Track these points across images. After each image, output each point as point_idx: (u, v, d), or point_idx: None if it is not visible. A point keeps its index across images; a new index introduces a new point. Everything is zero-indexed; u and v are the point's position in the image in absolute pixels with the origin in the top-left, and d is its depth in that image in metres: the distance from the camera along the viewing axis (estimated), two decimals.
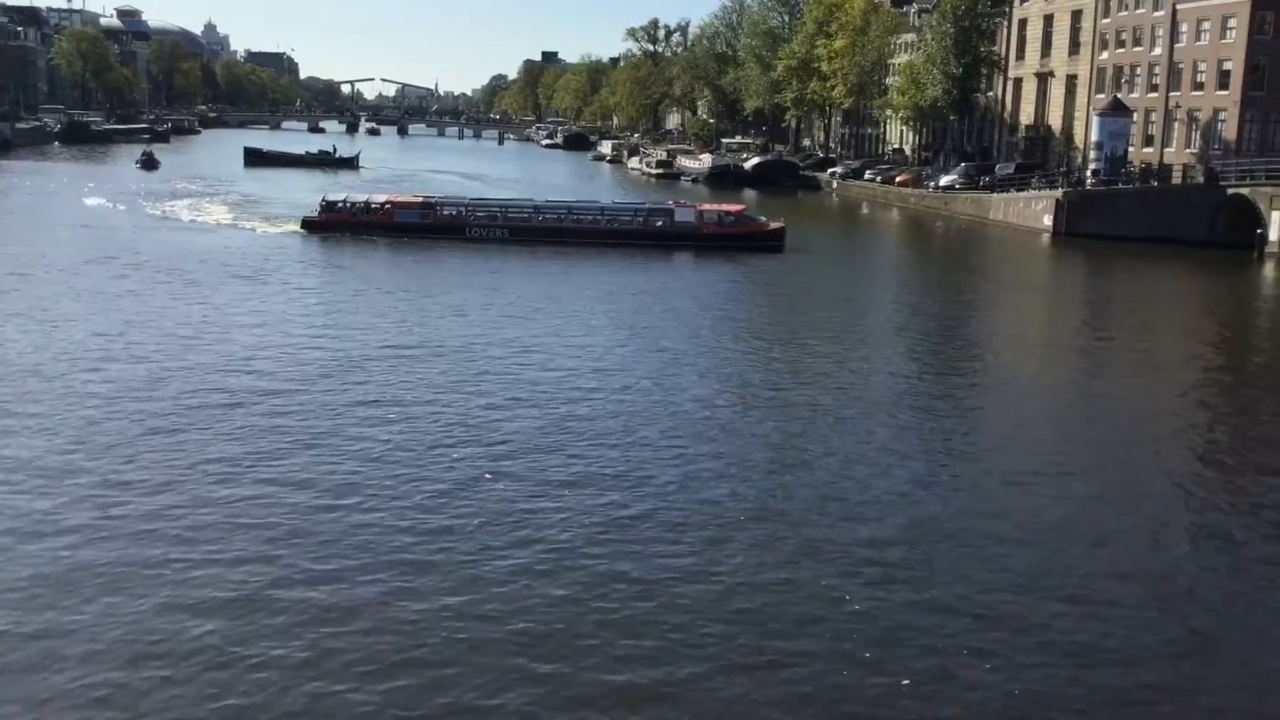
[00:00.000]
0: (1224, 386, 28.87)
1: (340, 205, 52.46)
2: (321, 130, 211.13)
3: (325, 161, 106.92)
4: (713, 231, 51.21)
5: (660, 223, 51.78)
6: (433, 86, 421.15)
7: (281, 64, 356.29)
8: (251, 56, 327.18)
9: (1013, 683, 12.58)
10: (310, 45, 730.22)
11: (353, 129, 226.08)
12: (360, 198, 54.13)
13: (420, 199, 54.46)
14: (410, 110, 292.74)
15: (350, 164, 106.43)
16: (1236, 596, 15.21)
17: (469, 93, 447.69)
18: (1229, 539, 17.27)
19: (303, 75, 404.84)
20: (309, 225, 51.43)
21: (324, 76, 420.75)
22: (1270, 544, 17.11)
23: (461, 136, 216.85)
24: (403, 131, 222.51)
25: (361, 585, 14.38)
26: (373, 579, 14.55)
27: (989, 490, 19.13)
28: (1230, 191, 59.20)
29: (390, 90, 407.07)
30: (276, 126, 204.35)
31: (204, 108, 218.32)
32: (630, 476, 18.77)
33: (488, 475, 18.55)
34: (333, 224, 51.16)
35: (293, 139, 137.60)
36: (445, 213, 51.99)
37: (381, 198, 54.29)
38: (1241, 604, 14.99)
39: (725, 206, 55.93)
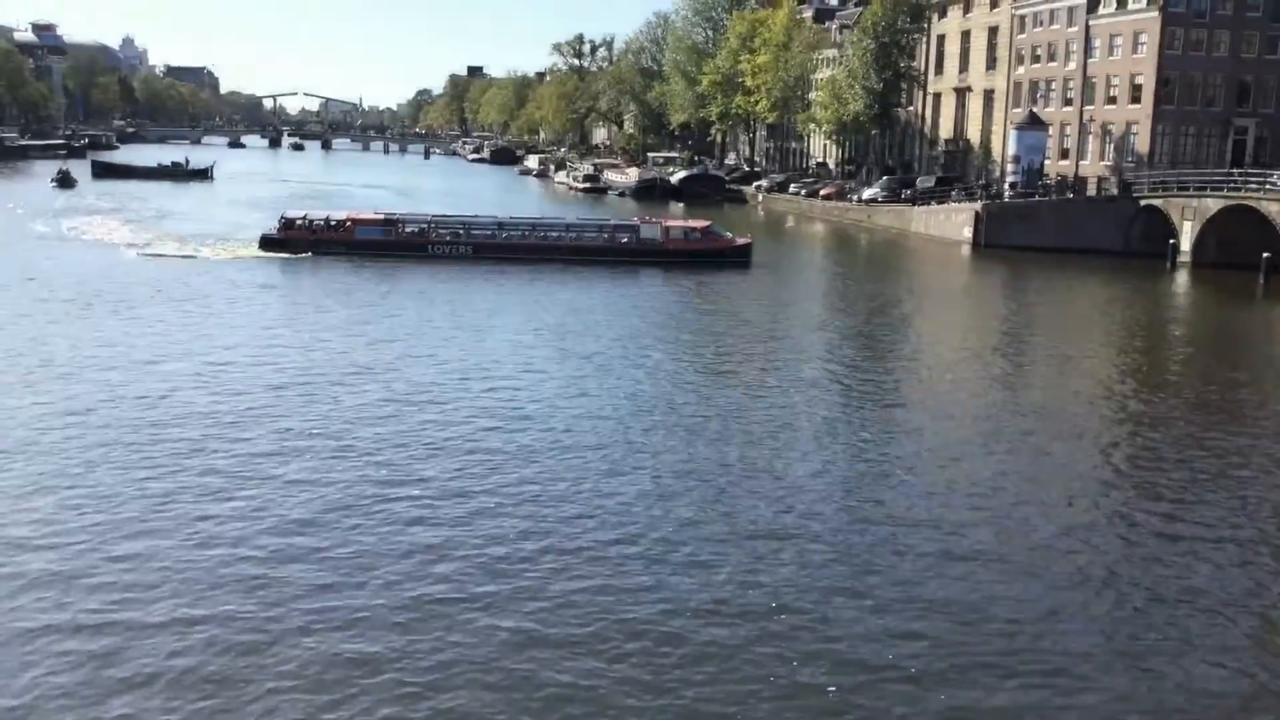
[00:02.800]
0: (1139, 392, 29.58)
1: (299, 223, 51.37)
2: (242, 145, 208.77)
3: (176, 173, 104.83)
4: (679, 248, 51.05)
5: (626, 239, 51.59)
6: (357, 101, 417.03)
7: (202, 78, 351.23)
8: (171, 71, 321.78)
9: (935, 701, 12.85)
10: (232, 60, 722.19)
11: (275, 144, 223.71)
12: (320, 215, 52.94)
13: (382, 216, 53.62)
14: (334, 125, 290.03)
15: (203, 175, 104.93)
16: (1153, 604, 15.64)
17: (394, 107, 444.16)
18: (1143, 544, 17.74)
19: (224, 90, 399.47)
20: (267, 243, 50.23)
21: (246, 91, 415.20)
22: (1182, 547, 17.60)
23: (387, 151, 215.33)
24: (327, 146, 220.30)
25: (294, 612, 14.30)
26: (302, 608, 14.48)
27: (913, 499, 19.46)
28: (1143, 203, 60.79)
29: (314, 105, 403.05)
30: (196, 141, 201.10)
31: (122, 123, 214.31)
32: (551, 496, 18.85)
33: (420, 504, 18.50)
34: (291, 242, 50.08)
35: (199, 152, 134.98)
36: (407, 230, 51.35)
37: (341, 214, 53.30)
38: (1155, 611, 15.41)
39: (692, 222, 55.73)
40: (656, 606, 14.54)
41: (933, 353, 34.10)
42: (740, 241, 53.12)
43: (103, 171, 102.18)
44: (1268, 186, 53.83)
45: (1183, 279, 53.65)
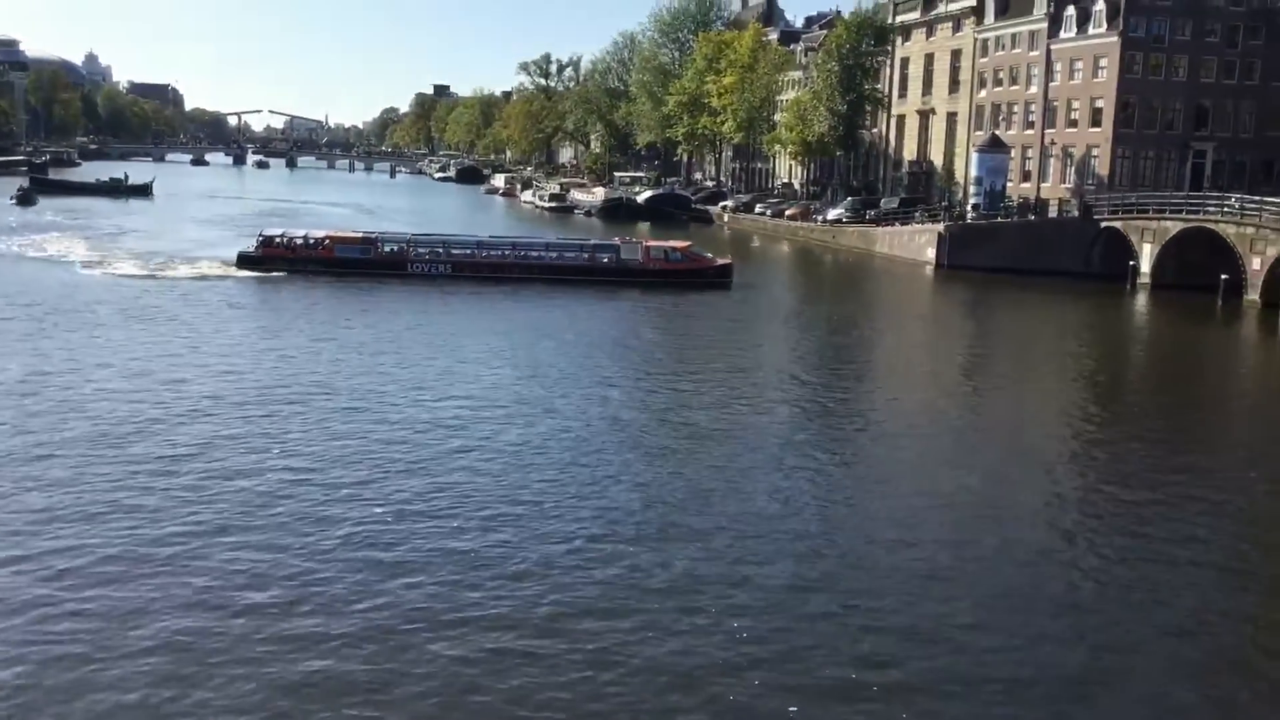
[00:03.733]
0: (1098, 412, 29.88)
1: (278, 240, 51.12)
2: (205, 163, 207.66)
3: (115, 189, 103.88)
4: (659, 268, 50.94)
5: (606, 259, 51.52)
6: (323, 119, 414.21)
7: (166, 95, 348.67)
8: (135, 88, 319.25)
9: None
10: (197, 76, 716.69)
11: (239, 161, 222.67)
12: (299, 233, 52.68)
13: (360, 235, 53.53)
14: (299, 143, 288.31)
15: (143, 191, 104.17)
16: (1120, 617, 15.77)
17: (360, 125, 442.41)
18: (1106, 559, 17.89)
19: (188, 107, 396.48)
20: (245, 261, 49.97)
21: (210, 108, 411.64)
22: (1140, 564, 17.76)
23: (352, 169, 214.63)
24: (291, 164, 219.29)
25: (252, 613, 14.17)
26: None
27: (876, 514, 19.54)
28: (1104, 225, 61.45)
29: (279, 122, 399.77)
30: (160, 159, 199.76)
31: (84, 139, 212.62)
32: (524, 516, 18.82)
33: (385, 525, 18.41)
34: (270, 260, 49.83)
35: (161, 169, 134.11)
36: (386, 249, 51.29)
37: (321, 233, 53.05)
38: (1125, 623, 15.54)
39: (672, 243, 55.62)
40: (603, 621, 14.54)
41: (900, 374, 34.32)
42: (721, 262, 53.18)
43: (40, 188, 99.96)
44: (1225, 209, 54.52)
45: (1142, 300, 54.27)
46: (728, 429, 24.91)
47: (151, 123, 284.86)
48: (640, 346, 36.18)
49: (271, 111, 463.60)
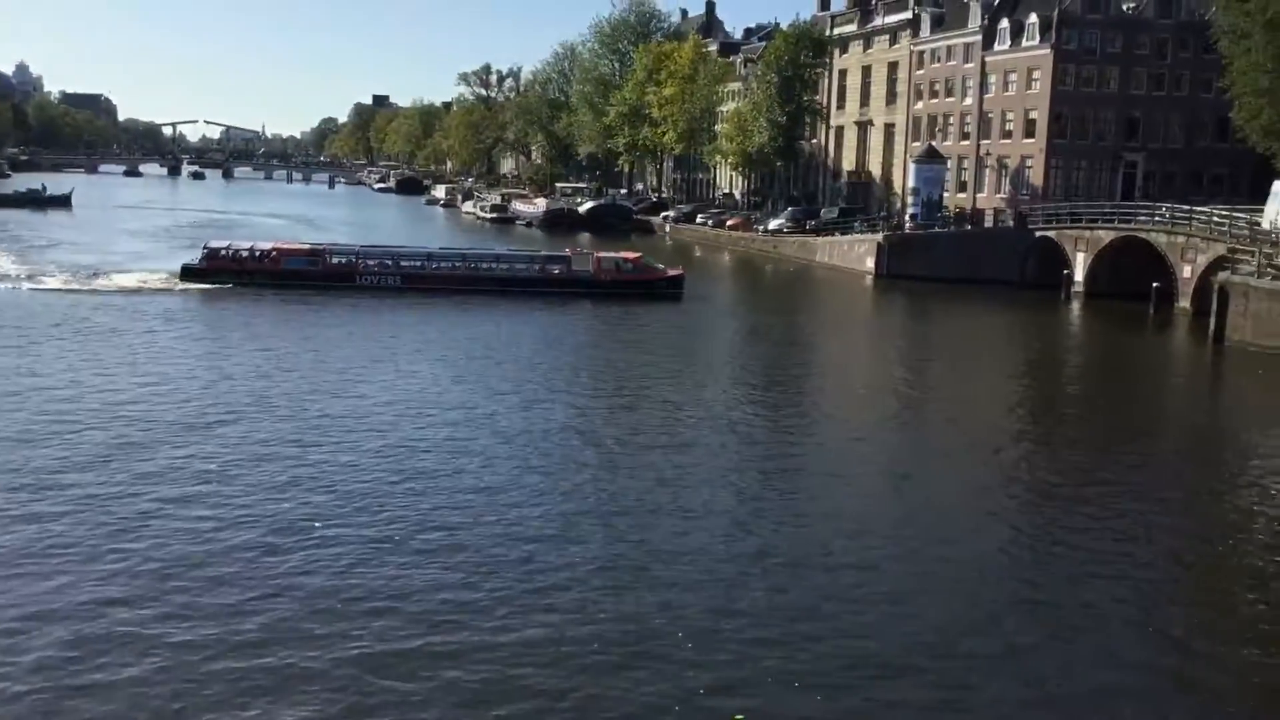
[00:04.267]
0: (1032, 419, 30.42)
1: (223, 253, 50.33)
2: (139, 174, 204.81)
3: (34, 200, 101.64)
4: (611, 279, 50.85)
5: (558, 270, 51.40)
6: (260, 129, 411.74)
7: (99, 105, 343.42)
8: (67, 98, 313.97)
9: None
10: (131, 87, 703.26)
11: (174, 172, 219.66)
12: (244, 245, 51.98)
13: (309, 246, 52.95)
14: (236, 153, 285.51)
15: (62, 203, 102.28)
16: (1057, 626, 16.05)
17: (298, 135, 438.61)
18: (1036, 566, 18.19)
19: (122, 117, 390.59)
20: (189, 274, 49.01)
21: (145, 119, 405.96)
22: (1073, 575, 18.07)
23: (290, 180, 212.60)
24: (228, 175, 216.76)
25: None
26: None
27: (815, 523, 19.72)
28: (1038, 235, 62.49)
29: (215, 133, 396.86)
30: (93, 170, 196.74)
31: (15, 151, 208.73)
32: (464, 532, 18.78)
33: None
34: (215, 272, 48.99)
35: (73, 181, 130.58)
36: (335, 260, 50.73)
37: (267, 245, 52.46)
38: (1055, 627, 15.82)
39: (624, 254, 55.64)
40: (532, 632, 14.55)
41: (843, 383, 34.69)
42: (672, 273, 53.38)
43: None
44: (1156, 219, 55.67)
45: (1076, 309, 55.22)
46: (676, 436, 25.00)
47: (84, 133, 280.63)
48: (592, 358, 36.17)
49: (207, 122, 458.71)
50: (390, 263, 50.91)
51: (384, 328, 40.09)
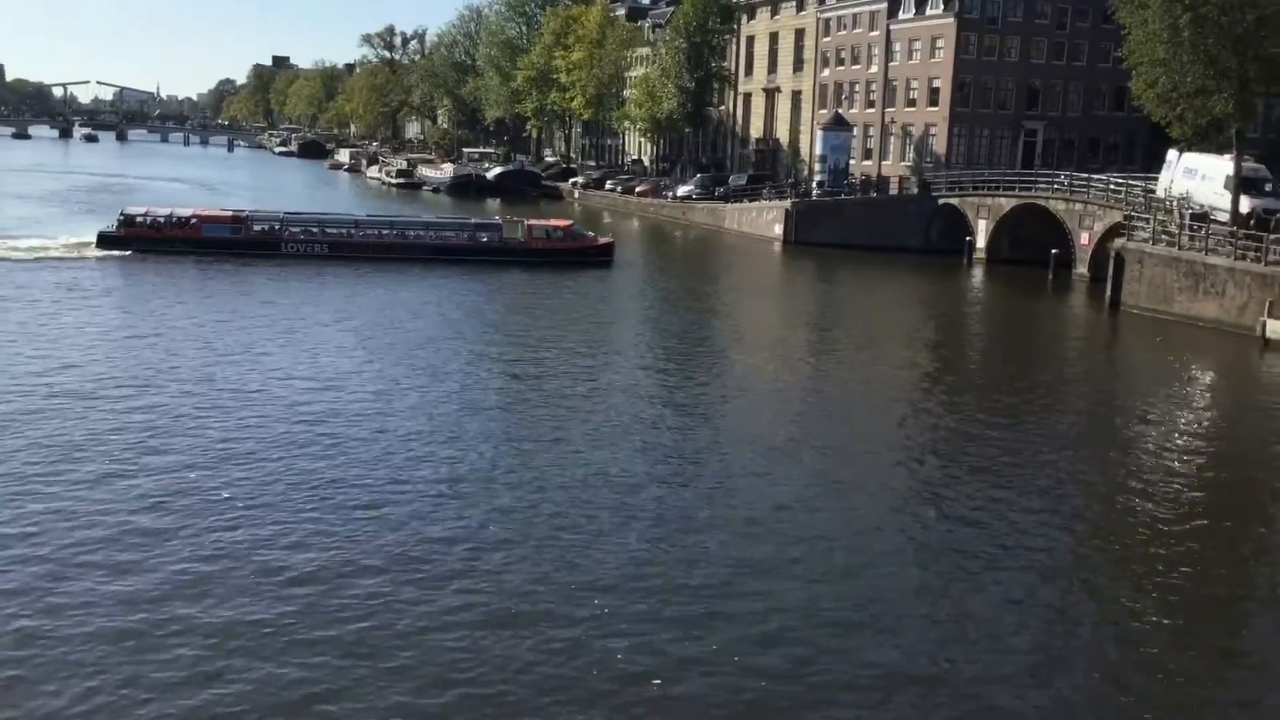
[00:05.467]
0: (935, 377, 31.09)
1: (141, 219, 48.93)
2: (29, 136, 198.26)
3: None
4: (541, 246, 50.62)
5: (487, 238, 51.04)
6: (154, 90, 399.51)
7: None
8: None
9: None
10: (19, 46, 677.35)
11: (66, 134, 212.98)
12: (163, 211, 50.63)
13: (230, 213, 51.55)
14: (130, 115, 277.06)
15: None
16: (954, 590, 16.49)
17: (194, 97, 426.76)
18: (933, 531, 18.67)
19: (9, 77, 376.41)
20: (105, 241, 47.56)
21: (34, 79, 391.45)
22: (978, 543, 18.59)
23: (187, 143, 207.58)
24: (122, 137, 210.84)
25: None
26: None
27: (718, 493, 20.00)
28: (941, 202, 63.54)
29: (108, 94, 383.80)
30: None
31: None
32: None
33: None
34: (133, 239, 47.60)
35: None
36: (258, 228, 49.56)
37: (187, 211, 51.16)
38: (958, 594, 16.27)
39: (554, 221, 55.35)
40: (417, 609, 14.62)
41: (754, 349, 35.02)
42: (602, 241, 53.41)
43: None
44: (1055, 186, 56.94)
45: (978, 274, 56.35)
46: (595, 400, 25.17)
47: None
48: (524, 326, 35.88)
49: (100, 83, 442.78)
50: (316, 230, 50.03)
51: (309, 298, 39.33)
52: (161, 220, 49.30)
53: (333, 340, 31.71)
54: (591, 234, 54.81)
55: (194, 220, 49.61)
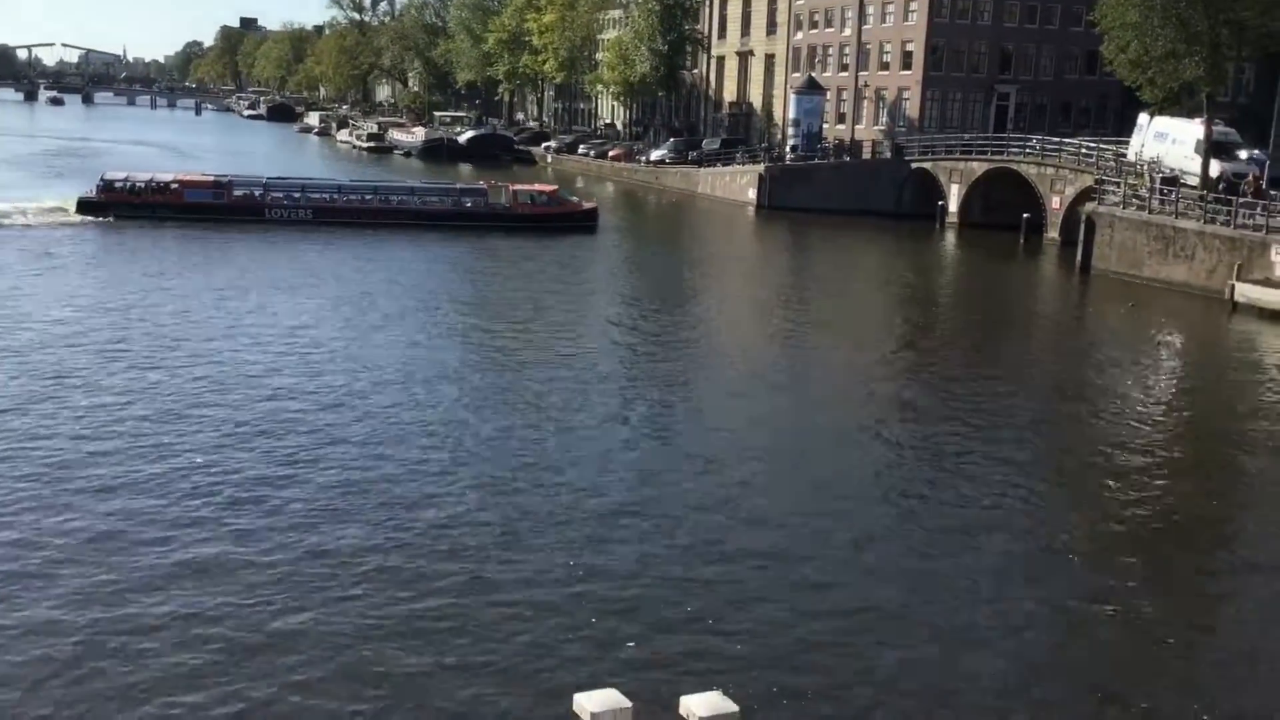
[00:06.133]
0: (908, 338, 31.35)
1: (121, 184, 48.44)
2: None
3: None
4: (526, 212, 50.51)
5: (471, 203, 50.91)
6: (121, 53, 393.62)
7: None
8: None
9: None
10: None
11: (31, 97, 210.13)
12: (144, 176, 50.06)
13: (212, 178, 50.95)
14: (96, 77, 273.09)
15: None
16: (930, 552, 16.74)
17: (161, 59, 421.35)
18: (916, 494, 18.91)
19: None
20: (86, 206, 47.03)
21: None
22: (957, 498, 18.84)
23: (154, 106, 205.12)
24: (88, 100, 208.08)
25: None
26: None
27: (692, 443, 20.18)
28: (914, 166, 63.70)
29: (73, 56, 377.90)
30: None
31: None
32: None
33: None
34: (113, 205, 47.08)
35: None
36: (240, 193, 49.15)
37: (168, 176, 50.64)
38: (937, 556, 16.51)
39: (539, 186, 55.24)
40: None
41: (732, 314, 35.18)
42: (587, 206, 53.38)
43: None
44: (1027, 150, 57.17)
45: (950, 239, 56.63)
46: (581, 363, 25.27)
47: None
48: (512, 291, 35.82)
49: (65, 45, 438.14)
50: (299, 195, 49.71)
51: (295, 264, 38.96)
52: (142, 185, 48.86)
53: (323, 307, 31.53)
54: (576, 199, 54.79)
55: (175, 185, 49.15)
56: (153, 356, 24.71)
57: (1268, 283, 36.12)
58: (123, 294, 31.96)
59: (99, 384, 22.37)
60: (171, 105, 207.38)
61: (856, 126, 75.08)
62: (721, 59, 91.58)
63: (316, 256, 40.98)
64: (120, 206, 47.20)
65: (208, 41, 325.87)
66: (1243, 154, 45.46)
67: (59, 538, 15.09)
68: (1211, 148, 44.06)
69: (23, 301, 30.13)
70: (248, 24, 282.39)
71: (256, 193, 49.57)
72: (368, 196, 50.93)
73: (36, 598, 13.43)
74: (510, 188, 53.29)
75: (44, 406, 20.71)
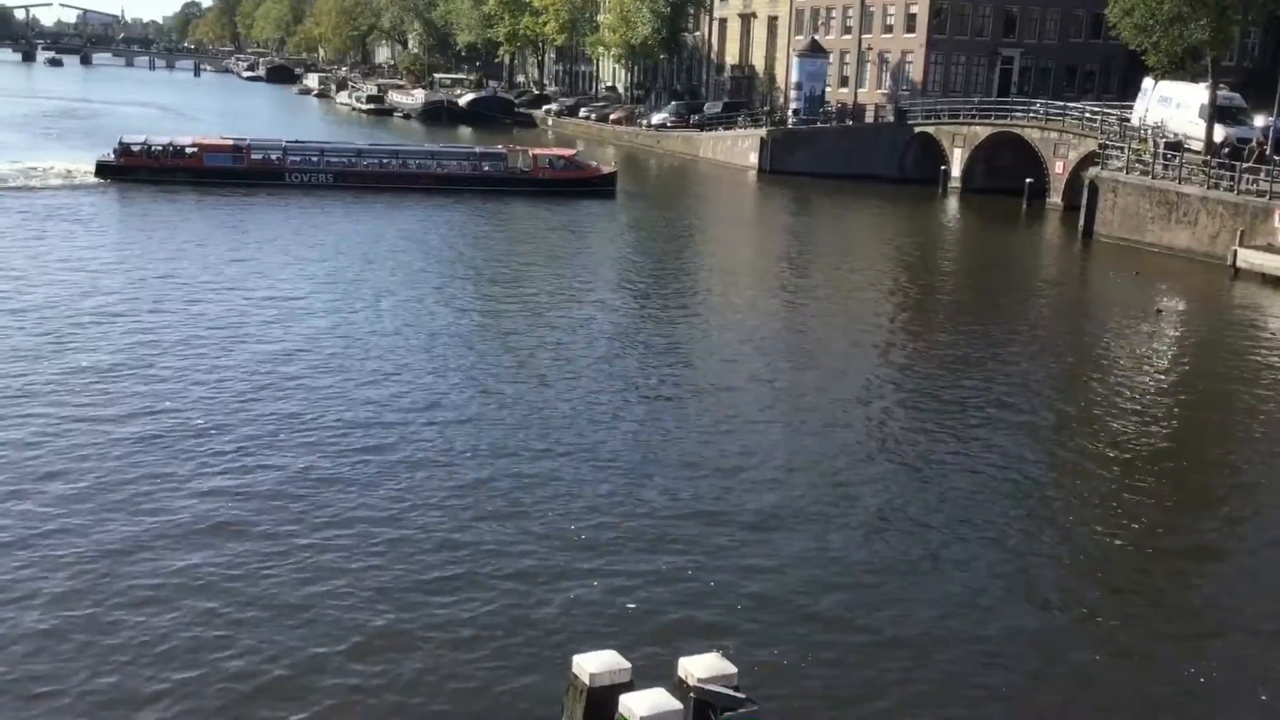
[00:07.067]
0: (911, 303, 31.35)
1: (139, 148, 48.26)
2: None
3: None
4: (546, 176, 50.45)
5: (490, 167, 50.84)
6: (119, 13, 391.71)
7: None
8: None
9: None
10: None
11: (29, 58, 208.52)
12: (162, 140, 49.90)
13: (231, 141, 50.71)
14: (94, 38, 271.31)
15: None
16: (931, 520, 16.78)
17: (159, 20, 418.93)
18: (917, 459, 18.94)
19: None
20: (104, 170, 46.88)
21: None
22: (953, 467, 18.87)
23: (153, 67, 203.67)
24: (87, 61, 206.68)
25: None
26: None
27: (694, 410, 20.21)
28: (917, 130, 63.37)
29: (71, 16, 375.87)
30: None
31: None
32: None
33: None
34: (132, 169, 46.96)
35: None
36: (259, 157, 49.07)
37: (186, 139, 50.50)
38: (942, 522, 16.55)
39: (558, 151, 55.26)
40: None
41: (735, 277, 35.18)
42: (606, 170, 53.34)
43: None
44: (1031, 115, 56.85)
45: (953, 204, 56.44)
46: (597, 327, 25.30)
47: None
48: (536, 256, 35.98)
49: (63, 5, 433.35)
50: (318, 159, 49.69)
51: (320, 229, 38.82)
52: (160, 148, 48.77)
53: (348, 270, 31.60)
54: (595, 163, 54.76)
55: (194, 149, 49.03)
56: (186, 320, 24.94)
57: (1270, 248, 36.06)
58: (158, 261, 31.79)
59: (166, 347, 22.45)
60: (170, 66, 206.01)
61: (859, 90, 74.58)
62: (724, 21, 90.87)
63: (339, 220, 40.97)
64: (139, 170, 47.14)
65: (206, 2, 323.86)
66: (1259, 120, 44.91)
67: (64, 503, 15.21)
68: (1216, 112, 43.77)
69: (61, 269, 29.90)
70: None
71: (275, 156, 49.51)
72: (387, 160, 50.86)
73: (47, 556, 13.54)
74: (530, 151, 53.19)
75: (123, 372, 20.84)
